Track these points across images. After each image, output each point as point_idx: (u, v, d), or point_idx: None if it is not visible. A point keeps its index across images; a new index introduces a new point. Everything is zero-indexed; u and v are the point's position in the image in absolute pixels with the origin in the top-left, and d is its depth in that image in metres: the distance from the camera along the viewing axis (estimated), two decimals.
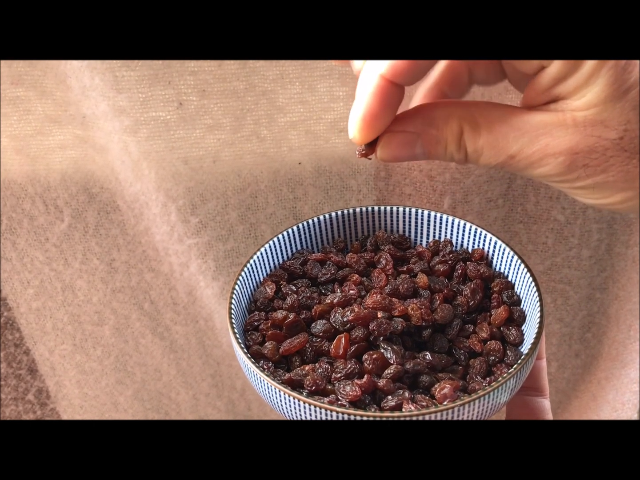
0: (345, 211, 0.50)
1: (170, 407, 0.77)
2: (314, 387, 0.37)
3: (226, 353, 0.73)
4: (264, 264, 0.47)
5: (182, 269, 0.65)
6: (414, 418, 0.33)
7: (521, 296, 0.44)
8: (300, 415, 0.36)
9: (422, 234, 0.50)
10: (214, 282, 0.66)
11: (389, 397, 0.36)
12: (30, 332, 0.69)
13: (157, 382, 0.75)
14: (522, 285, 0.44)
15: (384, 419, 0.33)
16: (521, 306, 0.44)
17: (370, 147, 0.38)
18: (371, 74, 0.33)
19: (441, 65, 0.41)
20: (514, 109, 0.34)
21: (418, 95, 0.42)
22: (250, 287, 0.46)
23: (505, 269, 0.46)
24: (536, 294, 0.41)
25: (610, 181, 0.32)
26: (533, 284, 0.42)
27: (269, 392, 0.37)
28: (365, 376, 0.37)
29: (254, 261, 0.46)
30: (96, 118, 0.57)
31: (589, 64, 0.30)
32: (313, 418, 0.35)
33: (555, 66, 0.31)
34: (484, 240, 0.47)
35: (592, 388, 0.76)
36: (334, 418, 0.34)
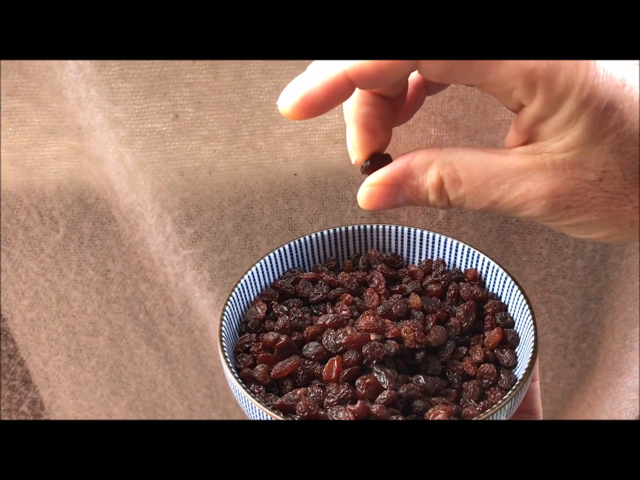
0: (338, 229, 0.50)
1: (165, 418, 0.77)
2: (306, 413, 0.37)
3: (221, 364, 0.73)
4: (256, 283, 0.47)
5: (177, 279, 0.65)
6: None
7: (514, 318, 0.44)
8: None
9: (414, 252, 0.50)
10: (209, 292, 0.66)
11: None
12: (24, 342, 0.69)
13: (152, 393, 0.75)
14: (515, 306, 0.44)
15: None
16: (515, 328, 0.44)
17: (371, 168, 0.37)
18: (335, 67, 0.32)
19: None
20: (491, 153, 0.34)
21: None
22: (241, 306, 0.46)
23: (498, 289, 0.46)
24: (530, 316, 0.41)
25: (594, 220, 0.33)
26: (527, 306, 0.42)
27: (260, 418, 0.37)
28: (359, 402, 0.36)
29: (245, 280, 0.46)
30: (92, 129, 0.57)
31: (568, 107, 0.30)
32: None
33: (535, 106, 0.31)
34: (477, 260, 0.47)
35: (587, 398, 0.76)
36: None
